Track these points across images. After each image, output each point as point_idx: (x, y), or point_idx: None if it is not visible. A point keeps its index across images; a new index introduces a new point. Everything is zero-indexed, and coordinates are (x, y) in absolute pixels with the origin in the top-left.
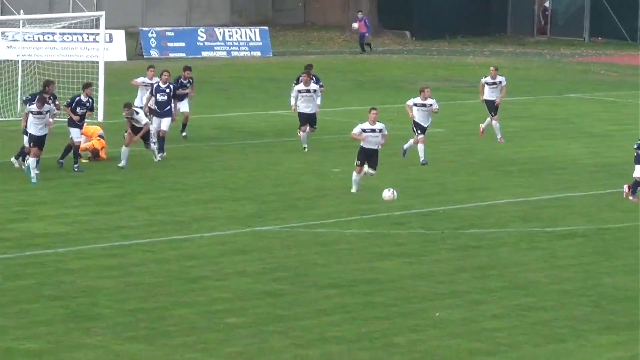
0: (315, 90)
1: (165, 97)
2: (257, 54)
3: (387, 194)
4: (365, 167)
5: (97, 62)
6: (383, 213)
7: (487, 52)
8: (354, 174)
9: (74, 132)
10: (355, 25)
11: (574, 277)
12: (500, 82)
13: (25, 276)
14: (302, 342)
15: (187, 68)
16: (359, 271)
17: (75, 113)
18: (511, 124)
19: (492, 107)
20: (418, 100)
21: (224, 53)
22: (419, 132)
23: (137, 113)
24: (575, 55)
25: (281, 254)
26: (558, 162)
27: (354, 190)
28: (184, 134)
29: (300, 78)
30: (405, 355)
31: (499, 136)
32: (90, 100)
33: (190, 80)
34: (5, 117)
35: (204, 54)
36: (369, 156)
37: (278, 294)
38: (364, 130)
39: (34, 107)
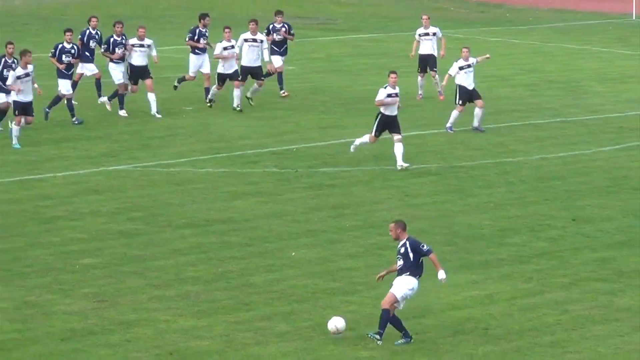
0: (262, 41)
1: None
2: None
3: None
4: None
5: None
6: (236, 152)
7: None
8: (367, 138)
9: (63, 84)
10: None
11: (429, 215)
12: (435, 33)
13: None
14: (158, 282)
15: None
16: (214, 211)
17: (60, 62)
18: (362, 61)
19: (427, 61)
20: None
21: None
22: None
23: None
24: None
25: (135, 193)
26: (410, 99)
27: (352, 149)
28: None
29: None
30: (262, 295)
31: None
32: (74, 46)
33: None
34: None
35: None
36: (390, 124)
37: (133, 234)
38: (389, 95)
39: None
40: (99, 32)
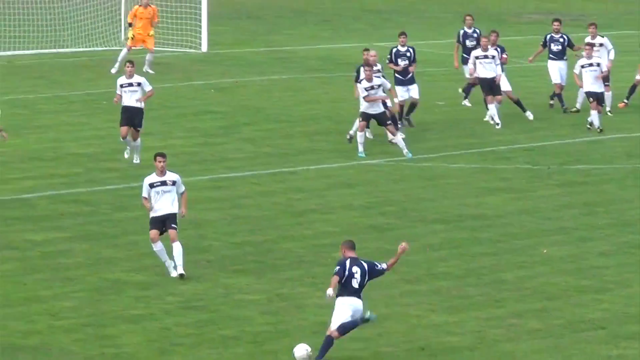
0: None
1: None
2: None
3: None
4: None
5: None
6: (489, 148)
7: None
8: None
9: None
10: None
11: None
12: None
13: (133, 207)
14: (410, 277)
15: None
16: (465, 206)
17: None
18: (617, 59)
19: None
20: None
21: None
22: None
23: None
24: None
25: (387, 187)
26: None
27: None
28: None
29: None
30: (514, 292)
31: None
32: (410, 50)
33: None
34: (109, 47)
35: None
36: None
37: (385, 228)
38: None
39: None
40: (477, 31)
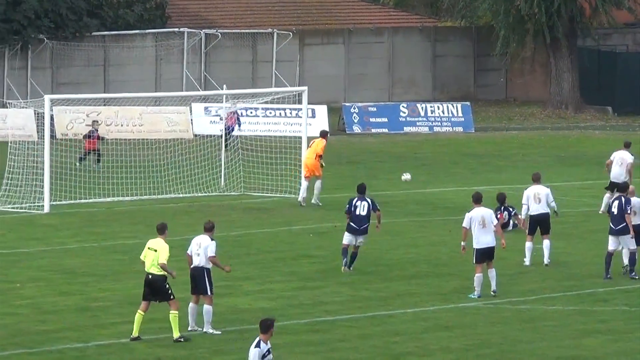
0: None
1: None
2: (459, 129)
3: None
4: None
5: (300, 137)
6: (587, 290)
7: None
8: None
9: None
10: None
11: None
12: None
13: (231, 352)
14: None
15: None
16: (564, 348)
17: None
18: None
19: None
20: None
21: (426, 128)
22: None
23: None
24: None
25: (485, 330)
26: None
27: None
28: None
29: None
30: None
31: None
32: None
33: None
34: (208, 192)
35: (406, 129)
36: None
37: None
38: None
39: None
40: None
